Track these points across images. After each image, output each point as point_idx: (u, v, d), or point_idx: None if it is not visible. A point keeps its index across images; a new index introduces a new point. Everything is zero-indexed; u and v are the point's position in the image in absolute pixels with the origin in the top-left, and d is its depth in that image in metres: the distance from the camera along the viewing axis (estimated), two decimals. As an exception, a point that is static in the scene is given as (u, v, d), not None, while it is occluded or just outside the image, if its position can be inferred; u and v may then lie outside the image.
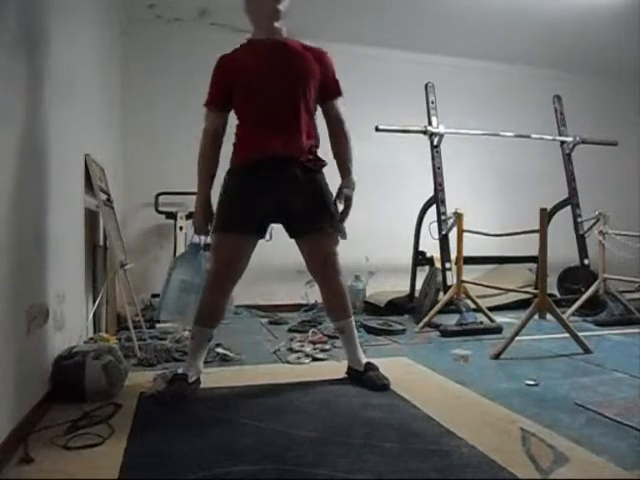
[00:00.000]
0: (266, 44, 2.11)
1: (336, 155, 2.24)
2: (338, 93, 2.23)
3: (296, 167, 2.08)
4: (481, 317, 3.50)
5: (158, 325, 3.33)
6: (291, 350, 2.78)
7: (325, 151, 2.23)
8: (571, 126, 4.45)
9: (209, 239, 2.25)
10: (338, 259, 2.20)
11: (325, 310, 2.43)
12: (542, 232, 2.82)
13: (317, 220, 2.12)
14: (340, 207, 2.20)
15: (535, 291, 3.12)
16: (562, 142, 4.43)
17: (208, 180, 2.15)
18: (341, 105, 2.23)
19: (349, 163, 2.23)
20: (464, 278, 3.54)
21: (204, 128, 2.16)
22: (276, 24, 2.09)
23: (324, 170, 2.21)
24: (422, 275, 3.99)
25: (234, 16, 4.05)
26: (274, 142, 2.04)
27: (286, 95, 2.07)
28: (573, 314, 3.77)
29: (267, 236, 2.20)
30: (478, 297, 3.62)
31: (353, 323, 2.26)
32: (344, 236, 2.19)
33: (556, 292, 4.47)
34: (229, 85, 2.11)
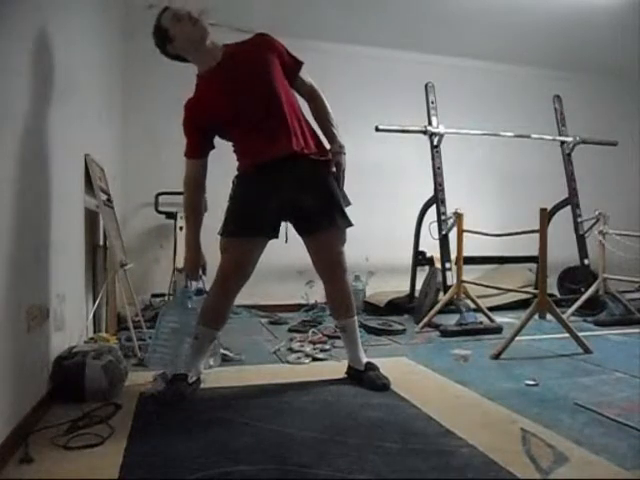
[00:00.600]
0: (215, 70, 2.07)
1: (318, 121, 2.21)
2: (298, 65, 2.17)
3: (300, 164, 2.06)
4: (481, 317, 3.50)
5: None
6: (291, 350, 2.78)
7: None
8: (571, 126, 4.45)
9: (200, 284, 2.24)
10: (345, 257, 2.19)
11: (329, 308, 2.43)
12: (542, 232, 2.82)
13: (326, 216, 2.10)
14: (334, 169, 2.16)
15: (535, 291, 3.12)
16: (562, 142, 4.42)
17: (196, 226, 2.14)
18: (307, 73, 2.19)
19: (332, 127, 2.20)
20: (464, 278, 3.54)
21: (185, 177, 2.12)
22: (207, 43, 2.04)
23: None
24: (422, 275, 3.99)
25: (234, 16, 4.09)
26: (272, 147, 2.03)
27: (261, 102, 2.03)
28: (573, 314, 3.77)
29: (281, 237, 2.17)
30: (478, 297, 3.62)
31: (356, 322, 2.27)
32: (348, 203, 2.17)
33: (556, 292, 4.47)
34: (204, 129, 2.08)
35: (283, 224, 2.16)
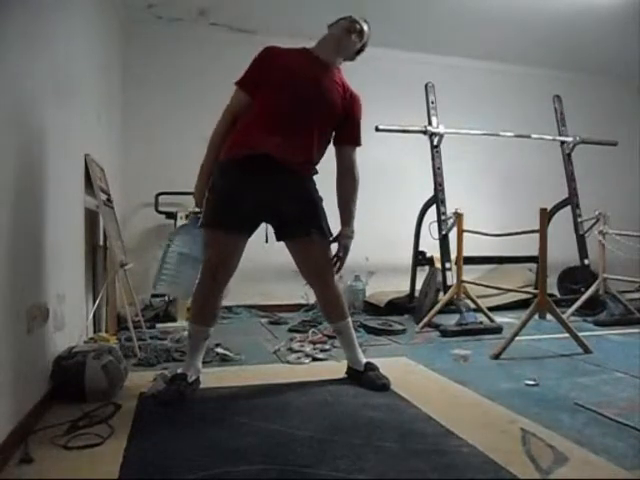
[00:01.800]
0: (317, 60, 2.16)
1: (341, 201, 2.24)
2: (357, 143, 2.25)
3: (287, 171, 2.07)
4: (481, 317, 3.50)
5: (158, 325, 3.33)
6: (291, 350, 2.78)
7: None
8: (571, 126, 4.46)
9: None
10: (331, 263, 2.20)
11: (321, 312, 2.44)
12: (542, 232, 2.82)
13: (306, 225, 2.11)
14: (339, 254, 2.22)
15: (535, 291, 3.12)
16: (562, 142, 4.43)
17: (214, 156, 2.14)
18: (357, 156, 2.25)
19: (352, 213, 2.24)
20: (464, 278, 3.54)
21: (228, 106, 2.15)
22: (339, 58, 2.20)
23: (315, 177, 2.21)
24: (422, 275, 3.99)
25: (234, 16, 4.09)
26: (272, 143, 2.02)
27: (307, 113, 2.07)
28: (573, 314, 3.77)
29: (264, 238, 2.20)
30: (478, 297, 3.62)
31: (350, 324, 2.26)
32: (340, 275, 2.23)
33: (556, 292, 4.47)
34: (265, 74, 2.10)
35: (263, 224, 2.17)
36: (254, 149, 2.03)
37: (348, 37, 2.18)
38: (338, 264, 2.21)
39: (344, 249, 2.21)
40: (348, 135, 2.22)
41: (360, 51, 2.29)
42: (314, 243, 2.14)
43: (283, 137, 2.04)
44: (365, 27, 2.25)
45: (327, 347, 2.82)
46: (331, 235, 2.20)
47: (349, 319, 2.26)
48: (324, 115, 2.12)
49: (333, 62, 2.20)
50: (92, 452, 1.51)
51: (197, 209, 2.19)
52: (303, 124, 2.08)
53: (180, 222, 3.92)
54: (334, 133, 2.22)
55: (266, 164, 2.03)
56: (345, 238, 2.21)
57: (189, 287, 2.09)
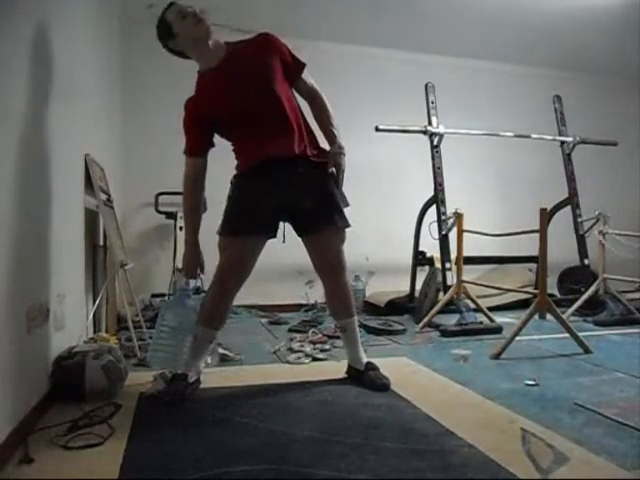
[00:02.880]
0: (216, 69, 2.06)
1: (319, 122, 2.20)
2: (301, 67, 2.16)
3: (299, 165, 2.06)
4: (481, 317, 3.50)
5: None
6: (291, 350, 2.78)
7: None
8: (571, 126, 4.46)
9: (198, 282, 2.24)
10: (344, 257, 2.19)
11: (328, 308, 2.43)
12: (542, 232, 2.82)
13: (324, 217, 2.10)
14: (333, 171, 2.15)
15: (535, 291, 3.12)
16: (562, 142, 4.43)
17: (195, 224, 2.13)
18: (308, 74, 2.17)
19: (333, 128, 2.18)
20: (464, 278, 3.54)
21: (185, 175, 2.12)
22: (210, 42, 2.04)
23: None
24: (422, 275, 3.99)
25: (234, 16, 4.09)
26: (271, 147, 2.03)
27: (262, 103, 2.03)
28: (573, 314, 3.77)
29: (280, 237, 2.18)
30: (478, 297, 3.62)
31: (356, 322, 2.27)
32: (347, 204, 2.17)
33: (556, 292, 4.47)
34: (204, 127, 2.08)
35: (281, 224, 2.16)
36: (263, 157, 2.04)
37: (184, 23, 2.01)
38: (338, 183, 2.14)
39: (337, 166, 2.13)
40: (289, 68, 2.12)
41: (193, 15, 2.03)
42: (335, 232, 2.14)
43: (273, 136, 2.03)
44: (184, 5, 2.04)
45: (327, 347, 2.82)
46: (348, 225, 2.16)
47: (355, 317, 2.26)
48: (271, 87, 2.03)
49: (221, 50, 2.06)
50: (92, 452, 1.51)
51: (185, 283, 2.17)
52: (273, 112, 2.03)
53: (180, 222, 3.93)
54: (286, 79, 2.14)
55: (278, 164, 2.03)
56: (334, 154, 2.13)
57: (182, 358, 2.08)
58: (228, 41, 2.12)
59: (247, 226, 2.06)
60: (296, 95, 2.19)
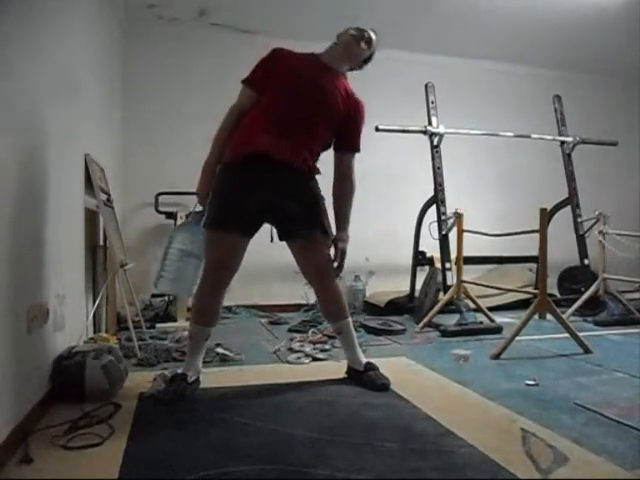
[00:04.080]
0: (324, 66, 2.18)
1: (336, 206, 2.25)
2: (356, 149, 2.27)
3: (289, 171, 2.08)
4: (481, 317, 3.50)
5: (158, 325, 3.33)
6: (291, 350, 2.78)
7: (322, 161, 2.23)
8: (571, 126, 4.46)
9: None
10: (331, 264, 2.20)
11: (321, 312, 2.44)
12: (542, 232, 2.82)
13: (308, 225, 2.12)
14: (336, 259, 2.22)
15: (535, 291, 3.12)
16: (562, 142, 4.43)
17: (218, 154, 2.14)
18: (354, 162, 2.27)
19: (347, 218, 2.26)
20: (464, 278, 3.54)
21: (234, 104, 2.17)
22: (344, 63, 2.22)
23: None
24: (422, 275, 3.99)
25: (234, 16, 4.09)
26: (273, 143, 2.03)
27: (311, 114, 2.10)
28: (573, 314, 3.77)
29: (269, 237, 2.21)
30: (478, 297, 3.62)
31: (351, 323, 2.27)
32: (339, 277, 2.24)
33: (556, 292, 4.47)
34: (272, 74, 2.13)
35: (267, 225, 2.18)
36: (256, 149, 2.04)
37: (357, 45, 2.20)
38: (336, 269, 2.21)
39: (341, 253, 2.21)
40: (348, 141, 2.24)
41: (367, 60, 2.30)
42: (316, 242, 2.15)
43: (284, 137, 2.05)
44: (373, 36, 2.25)
45: (327, 347, 2.82)
46: (332, 235, 2.21)
47: (349, 319, 2.26)
48: (325, 118, 2.13)
49: (339, 68, 2.22)
50: (92, 452, 1.51)
51: (199, 208, 2.19)
52: (304, 126, 2.09)
53: (180, 222, 3.93)
54: (334, 139, 2.23)
55: (268, 164, 2.04)
56: (341, 242, 2.22)
57: (190, 284, 2.08)
58: (346, 78, 2.27)
59: (228, 223, 2.05)
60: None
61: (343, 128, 2.21)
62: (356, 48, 2.21)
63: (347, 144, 2.25)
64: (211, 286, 2.10)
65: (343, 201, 2.25)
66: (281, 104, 2.09)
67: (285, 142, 2.05)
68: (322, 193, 2.20)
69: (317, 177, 2.21)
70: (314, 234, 2.13)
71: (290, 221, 2.12)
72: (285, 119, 2.07)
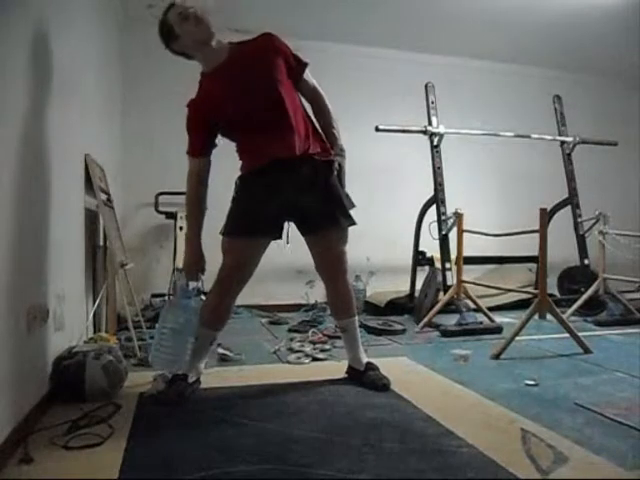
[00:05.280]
0: (220, 69, 2.06)
1: (319, 123, 2.19)
2: (302, 66, 2.15)
3: (303, 164, 2.06)
4: (481, 317, 3.50)
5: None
6: (291, 350, 2.78)
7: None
8: (571, 126, 4.46)
9: (199, 284, 2.21)
10: (346, 257, 2.20)
11: (329, 308, 2.43)
12: (542, 232, 2.82)
13: (328, 216, 2.11)
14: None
15: (535, 291, 3.12)
16: (562, 142, 4.42)
17: (197, 225, 2.11)
18: (310, 74, 2.17)
19: (334, 129, 2.19)
20: (464, 278, 3.54)
21: (189, 172, 2.10)
22: (213, 43, 2.03)
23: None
24: (422, 275, 3.99)
25: (234, 16, 4.09)
26: (274, 147, 2.03)
27: (266, 102, 2.02)
28: (573, 314, 3.77)
29: (285, 239, 2.18)
30: (478, 297, 3.62)
31: (357, 322, 2.27)
32: (352, 205, 2.17)
33: (556, 292, 4.47)
34: (208, 127, 2.07)
35: (285, 224, 2.16)
36: (267, 159, 2.04)
37: (185, 24, 2.01)
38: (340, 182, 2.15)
39: (339, 167, 2.15)
40: (291, 69, 2.11)
41: (201, 19, 2.02)
42: (335, 236, 2.14)
43: (280, 137, 2.03)
44: (186, 6, 2.03)
45: (327, 347, 2.82)
46: (353, 223, 2.16)
47: (356, 317, 2.26)
48: (274, 87, 2.02)
49: (223, 50, 2.06)
50: (92, 452, 1.51)
51: (184, 281, 2.14)
52: (275, 112, 2.02)
53: (180, 222, 3.93)
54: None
55: (280, 166, 2.03)
56: (337, 156, 2.16)
57: (184, 360, 2.07)
58: (231, 41, 2.11)
59: (250, 228, 2.05)
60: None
61: (284, 65, 2.07)
62: (198, 32, 2.00)
63: (293, 71, 2.11)
64: (225, 292, 2.10)
65: (322, 115, 2.18)
66: (245, 123, 2.04)
67: (281, 139, 2.03)
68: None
69: None
70: (339, 224, 2.11)
71: (312, 216, 2.10)
72: (261, 125, 2.03)
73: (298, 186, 2.06)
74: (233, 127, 2.09)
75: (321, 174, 2.11)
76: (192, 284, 2.15)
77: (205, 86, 2.11)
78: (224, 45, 2.08)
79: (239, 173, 2.15)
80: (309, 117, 2.17)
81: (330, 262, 2.19)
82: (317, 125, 2.20)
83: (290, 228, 2.19)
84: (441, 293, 3.69)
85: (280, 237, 2.14)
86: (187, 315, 2.09)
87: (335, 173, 2.15)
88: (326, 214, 2.10)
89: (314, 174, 2.08)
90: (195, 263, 2.12)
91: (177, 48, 2.10)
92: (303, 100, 2.19)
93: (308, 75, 2.17)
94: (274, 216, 2.08)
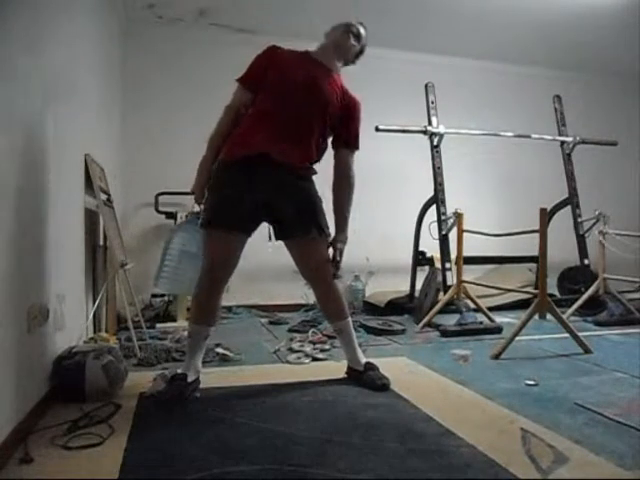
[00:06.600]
0: (317, 64, 2.19)
1: (336, 206, 2.25)
2: (354, 146, 2.26)
3: (286, 172, 2.08)
4: (481, 317, 3.50)
5: (158, 325, 3.33)
6: (291, 350, 2.78)
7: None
8: (571, 126, 4.46)
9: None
10: (329, 264, 2.20)
11: (322, 312, 2.44)
12: (542, 232, 2.82)
13: (306, 226, 2.12)
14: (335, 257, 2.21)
15: (535, 291, 3.12)
16: (562, 142, 4.43)
17: (215, 153, 2.15)
18: (354, 161, 2.26)
19: (346, 218, 2.25)
20: (464, 278, 3.54)
21: (229, 103, 2.17)
22: (336, 60, 2.24)
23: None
24: (422, 275, 3.99)
25: (234, 16, 4.09)
26: (270, 143, 2.04)
27: (304, 113, 2.09)
28: (573, 314, 3.77)
29: (267, 236, 2.21)
30: (478, 297, 3.62)
31: (350, 323, 2.27)
32: (339, 276, 2.22)
33: (556, 292, 4.47)
34: (266, 72, 2.13)
35: (265, 224, 2.18)
36: (253, 149, 2.05)
37: (346, 40, 2.23)
38: (334, 269, 2.20)
39: (339, 253, 2.21)
40: (345, 138, 2.24)
41: (359, 54, 2.33)
42: (313, 242, 2.15)
43: (281, 137, 2.06)
44: (362, 30, 2.29)
45: (327, 347, 2.82)
46: (329, 235, 2.21)
47: (349, 319, 2.26)
48: (320, 116, 2.13)
49: (333, 66, 2.23)
50: (92, 452, 1.51)
51: (196, 208, 2.19)
52: (300, 124, 2.10)
53: (179, 222, 3.93)
54: (332, 136, 2.23)
55: (265, 164, 2.04)
56: (339, 243, 2.22)
57: (190, 284, 2.08)
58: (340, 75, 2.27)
59: (224, 221, 2.06)
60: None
61: (339, 126, 2.20)
62: (345, 43, 2.23)
63: (344, 141, 2.24)
64: (209, 285, 2.10)
65: (341, 201, 2.24)
66: (276, 104, 2.10)
67: (281, 142, 2.05)
68: (321, 193, 2.20)
69: (316, 178, 2.21)
70: (310, 234, 2.13)
71: (286, 222, 2.12)
72: (280, 119, 2.08)
73: (277, 190, 2.07)
74: (268, 93, 2.11)
75: (300, 182, 2.14)
76: (201, 207, 2.16)
77: (294, 53, 2.22)
78: (337, 67, 2.27)
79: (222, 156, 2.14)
80: (317, 156, 2.20)
81: (312, 270, 2.20)
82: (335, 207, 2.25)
83: (269, 227, 2.21)
84: (441, 293, 3.69)
85: (250, 235, 2.14)
86: (193, 238, 2.10)
87: (314, 188, 2.18)
88: (299, 222, 2.12)
89: (293, 180, 2.11)
90: (204, 184, 2.15)
91: (331, 29, 2.31)
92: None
93: (352, 158, 2.26)
94: (249, 214, 2.08)
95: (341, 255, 2.22)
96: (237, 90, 2.18)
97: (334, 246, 2.22)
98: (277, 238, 2.20)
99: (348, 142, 2.25)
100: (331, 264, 2.19)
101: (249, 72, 2.18)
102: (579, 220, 4.28)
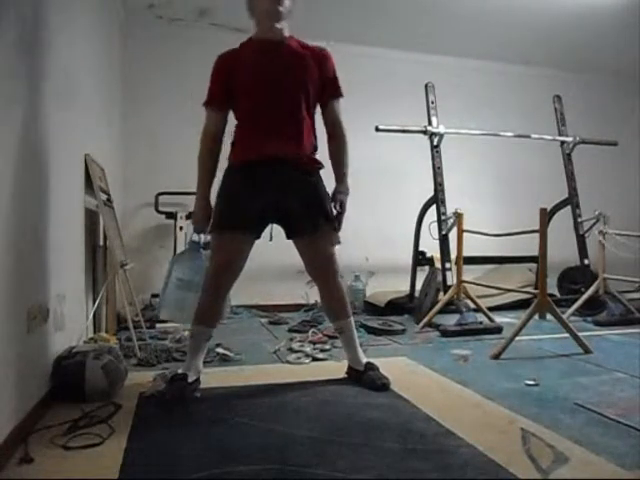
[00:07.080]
0: (266, 44, 2.12)
1: (332, 159, 2.23)
2: (337, 94, 2.22)
3: (292, 169, 2.09)
4: (481, 317, 3.50)
5: (158, 325, 3.33)
6: (291, 350, 2.78)
7: (323, 155, 2.23)
8: (571, 126, 4.45)
9: (208, 237, 2.25)
10: (336, 260, 2.20)
11: (324, 310, 2.44)
12: (542, 232, 2.82)
13: (314, 221, 2.12)
14: (334, 211, 2.20)
15: (535, 291, 3.12)
16: (562, 142, 4.42)
17: (207, 179, 2.15)
18: (341, 107, 2.22)
19: (345, 168, 2.23)
20: (464, 278, 3.54)
21: (203, 128, 2.16)
22: (277, 25, 2.10)
23: (321, 172, 2.21)
24: (422, 275, 3.99)
25: (234, 16, 4.08)
26: (270, 145, 2.05)
27: (284, 96, 2.08)
28: (573, 314, 3.77)
29: (268, 237, 2.22)
30: (478, 297, 3.62)
31: (352, 323, 2.27)
32: (338, 241, 2.20)
33: (556, 292, 4.47)
34: (228, 83, 2.12)
35: (269, 225, 2.18)
36: (253, 154, 2.06)
37: (273, 2, 2.06)
38: (337, 223, 2.18)
39: (340, 205, 2.18)
40: (326, 90, 2.18)
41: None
42: (321, 238, 2.15)
43: (276, 134, 2.06)
44: None
45: (327, 347, 2.82)
46: (338, 229, 2.19)
47: (351, 318, 2.26)
48: (302, 91, 2.10)
49: (279, 35, 2.13)
50: (92, 452, 1.51)
51: (196, 237, 2.19)
52: (287, 110, 2.08)
53: (180, 222, 3.93)
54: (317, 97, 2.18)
55: (269, 164, 2.05)
56: (340, 194, 2.19)
57: (191, 312, 2.09)
58: (292, 35, 2.18)
59: (233, 224, 2.07)
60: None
61: (320, 82, 2.15)
62: (274, 5, 2.07)
63: (326, 93, 2.19)
64: (215, 288, 2.11)
65: (337, 151, 2.22)
66: (257, 104, 2.08)
67: (278, 139, 2.05)
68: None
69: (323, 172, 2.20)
70: (318, 231, 2.12)
71: (294, 218, 2.12)
72: (267, 116, 2.07)
73: (281, 188, 2.07)
74: (243, 98, 2.10)
75: (306, 178, 2.13)
76: (202, 237, 2.18)
77: (242, 47, 2.16)
78: (284, 31, 2.13)
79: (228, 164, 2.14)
80: (315, 136, 2.19)
81: (318, 265, 2.20)
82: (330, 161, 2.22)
83: (273, 226, 2.20)
84: (441, 293, 3.69)
85: (259, 237, 2.15)
86: (195, 267, 2.11)
87: (321, 181, 2.17)
88: (308, 218, 2.12)
89: (299, 177, 2.11)
90: (205, 216, 2.15)
91: (249, 4, 2.15)
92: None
93: (337, 106, 2.21)
94: (255, 215, 2.09)
95: (342, 207, 2.19)
96: (207, 115, 2.15)
97: (335, 198, 2.19)
98: (287, 237, 2.19)
99: (329, 92, 2.19)
100: (333, 219, 2.16)
101: (211, 93, 2.15)
102: (579, 220, 4.28)
